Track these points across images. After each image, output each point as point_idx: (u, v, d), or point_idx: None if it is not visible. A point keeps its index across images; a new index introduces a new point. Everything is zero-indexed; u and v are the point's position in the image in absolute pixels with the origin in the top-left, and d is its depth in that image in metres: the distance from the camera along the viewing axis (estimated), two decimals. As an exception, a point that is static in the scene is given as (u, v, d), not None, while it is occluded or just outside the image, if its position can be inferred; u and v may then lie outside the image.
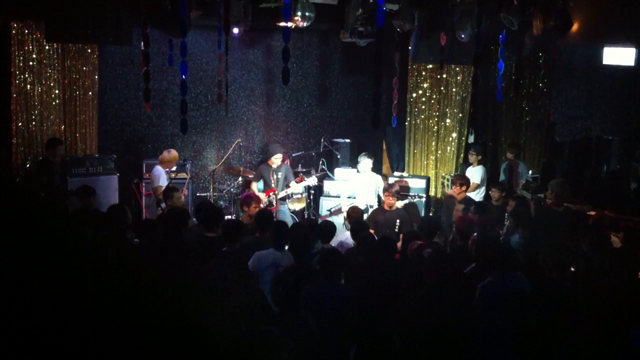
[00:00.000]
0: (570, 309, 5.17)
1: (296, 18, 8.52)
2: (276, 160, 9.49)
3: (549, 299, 5.15)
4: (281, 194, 9.46)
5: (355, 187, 9.75)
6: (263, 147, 11.73)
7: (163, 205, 8.13)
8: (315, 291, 5.23)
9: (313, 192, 10.67)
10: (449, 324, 4.80)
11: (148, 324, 2.23)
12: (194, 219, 8.02)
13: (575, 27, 8.91)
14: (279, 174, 9.49)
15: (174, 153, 9.36)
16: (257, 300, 5.17)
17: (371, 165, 9.63)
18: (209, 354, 2.39)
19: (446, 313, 4.87)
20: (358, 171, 9.81)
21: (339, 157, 11.20)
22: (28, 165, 9.75)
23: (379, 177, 9.86)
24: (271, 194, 9.42)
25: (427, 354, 4.38)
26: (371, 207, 9.31)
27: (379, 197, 9.51)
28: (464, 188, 9.20)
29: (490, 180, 10.60)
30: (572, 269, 6.18)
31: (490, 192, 9.40)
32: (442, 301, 4.94)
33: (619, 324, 4.97)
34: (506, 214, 8.11)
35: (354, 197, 9.64)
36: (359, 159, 9.74)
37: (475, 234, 6.89)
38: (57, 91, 9.94)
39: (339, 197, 10.19)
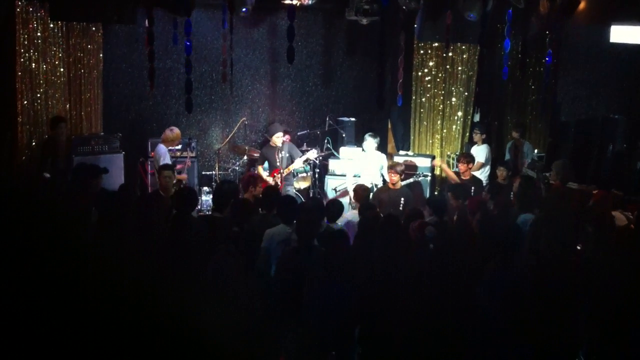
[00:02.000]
0: (575, 292, 5.18)
1: (301, -4, 8.48)
2: (277, 139, 9.46)
3: (553, 282, 5.17)
4: (285, 172, 9.44)
5: (360, 166, 9.77)
6: (266, 126, 11.74)
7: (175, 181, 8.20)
8: (318, 289, 5.19)
9: (318, 170, 10.67)
10: (450, 322, 4.78)
11: (145, 322, 2.25)
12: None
13: (582, 5, 8.85)
14: (283, 152, 9.46)
15: (176, 131, 9.38)
16: (257, 298, 5.17)
17: (376, 145, 9.64)
18: (207, 353, 2.41)
19: (448, 311, 4.84)
20: (363, 150, 9.82)
21: (344, 135, 11.19)
22: (34, 144, 9.76)
23: (383, 156, 9.87)
24: (276, 174, 9.42)
25: (429, 341, 4.40)
26: (376, 186, 9.33)
27: (383, 176, 9.53)
28: (469, 166, 9.23)
29: (496, 159, 10.59)
30: (579, 247, 6.17)
31: (497, 172, 9.41)
32: (444, 299, 4.91)
33: (623, 310, 4.98)
34: (512, 193, 8.13)
35: (359, 177, 9.65)
36: (364, 138, 9.74)
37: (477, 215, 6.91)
38: (62, 69, 9.92)
39: (344, 175, 10.18)
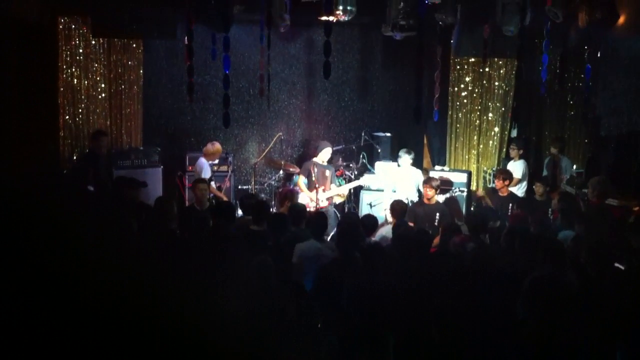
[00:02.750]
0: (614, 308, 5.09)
1: (337, 12, 8.52)
2: (324, 155, 9.51)
3: (591, 297, 5.10)
4: (325, 195, 9.42)
5: (395, 181, 9.75)
6: (304, 141, 11.81)
7: (211, 195, 8.30)
8: (360, 285, 5.24)
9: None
10: (486, 322, 4.75)
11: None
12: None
13: (621, 19, 8.74)
14: (327, 172, 9.48)
15: (217, 146, 9.53)
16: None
17: (411, 161, 9.62)
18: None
19: (484, 311, 4.81)
20: (399, 165, 9.80)
21: (379, 150, 11.19)
22: (75, 158, 9.97)
23: (419, 172, 9.84)
24: (320, 191, 9.38)
25: (465, 350, 4.37)
26: (412, 202, 9.30)
27: (419, 191, 9.49)
28: (506, 183, 9.13)
29: (533, 175, 10.47)
30: (621, 267, 6.07)
31: (534, 187, 9.30)
32: (481, 300, 4.88)
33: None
34: (550, 209, 8.03)
35: (395, 191, 9.64)
36: (399, 154, 9.73)
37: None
38: (103, 85, 10.14)
39: (379, 190, 10.18)
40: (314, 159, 9.62)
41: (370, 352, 5.08)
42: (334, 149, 11.16)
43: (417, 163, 10.31)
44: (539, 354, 4.53)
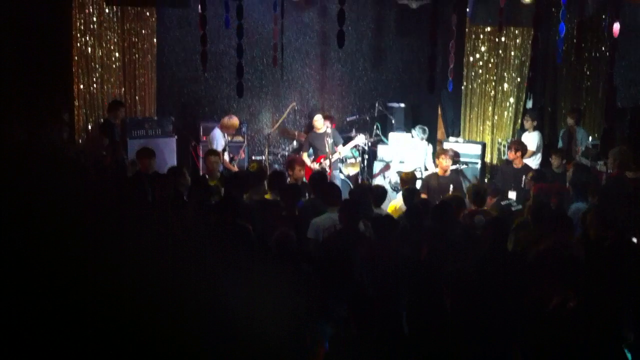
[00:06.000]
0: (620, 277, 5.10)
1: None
2: (317, 123, 9.60)
3: (600, 266, 5.11)
4: (333, 158, 9.50)
5: (405, 151, 9.80)
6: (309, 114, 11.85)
7: (220, 168, 8.33)
8: (372, 253, 5.27)
9: (367, 156, 10.66)
10: (500, 291, 4.78)
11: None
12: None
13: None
14: (327, 139, 9.55)
15: (234, 120, 9.55)
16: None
17: (425, 137, 9.76)
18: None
19: (499, 280, 4.83)
20: (412, 137, 9.84)
21: (393, 121, 11.15)
22: (90, 127, 10.03)
23: (430, 146, 9.92)
24: (322, 160, 9.47)
25: (478, 318, 4.39)
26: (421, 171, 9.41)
27: (426, 167, 9.62)
28: (518, 154, 9.07)
29: (549, 146, 10.39)
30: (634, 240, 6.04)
31: (550, 159, 9.24)
32: (496, 268, 4.90)
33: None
34: (567, 181, 7.99)
35: (403, 162, 9.69)
36: (414, 129, 9.80)
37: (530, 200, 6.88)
38: (117, 54, 10.14)
39: (391, 161, 10.23)
40: (312, 132, 9.72)
41: (383, 323, 5.12)
42: (349, 119, 11.15)
43: (431, 134, 10.31)
44: (548, 323, 4.55)
